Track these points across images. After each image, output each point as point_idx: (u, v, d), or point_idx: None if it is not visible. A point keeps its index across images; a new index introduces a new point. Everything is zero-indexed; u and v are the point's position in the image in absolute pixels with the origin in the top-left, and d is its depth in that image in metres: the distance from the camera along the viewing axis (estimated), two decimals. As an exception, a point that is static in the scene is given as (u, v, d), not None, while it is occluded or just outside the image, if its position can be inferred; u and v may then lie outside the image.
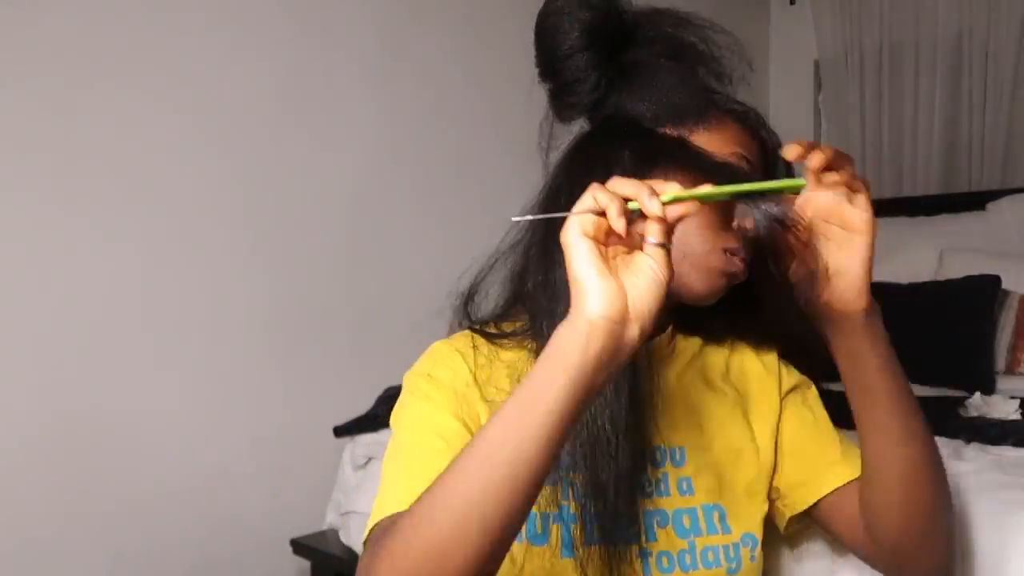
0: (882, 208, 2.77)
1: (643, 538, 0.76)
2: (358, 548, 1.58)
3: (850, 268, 0.67)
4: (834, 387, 0.83)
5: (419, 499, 0.58)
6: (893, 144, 3.00)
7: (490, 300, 0.84)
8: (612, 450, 0.69)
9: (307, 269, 1.93)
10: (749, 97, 0.84)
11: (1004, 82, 2.74)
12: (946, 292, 2.04)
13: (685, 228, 0.71)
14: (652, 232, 0.56)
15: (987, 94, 2.79)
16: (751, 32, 3.27)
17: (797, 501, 0.84)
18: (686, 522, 0.78)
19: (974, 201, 2.56)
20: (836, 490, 0.82)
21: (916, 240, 2.46)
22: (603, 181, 0.58)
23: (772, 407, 0.86)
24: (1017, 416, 1.35)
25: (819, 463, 0.83)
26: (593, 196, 0.56)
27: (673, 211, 0.56)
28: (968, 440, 1.16)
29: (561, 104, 0.82)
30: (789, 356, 0.90)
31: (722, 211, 0.76)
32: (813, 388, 0.90)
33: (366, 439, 1.64)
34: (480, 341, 0.81)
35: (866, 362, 0.71)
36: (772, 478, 0.84)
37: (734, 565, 0.78)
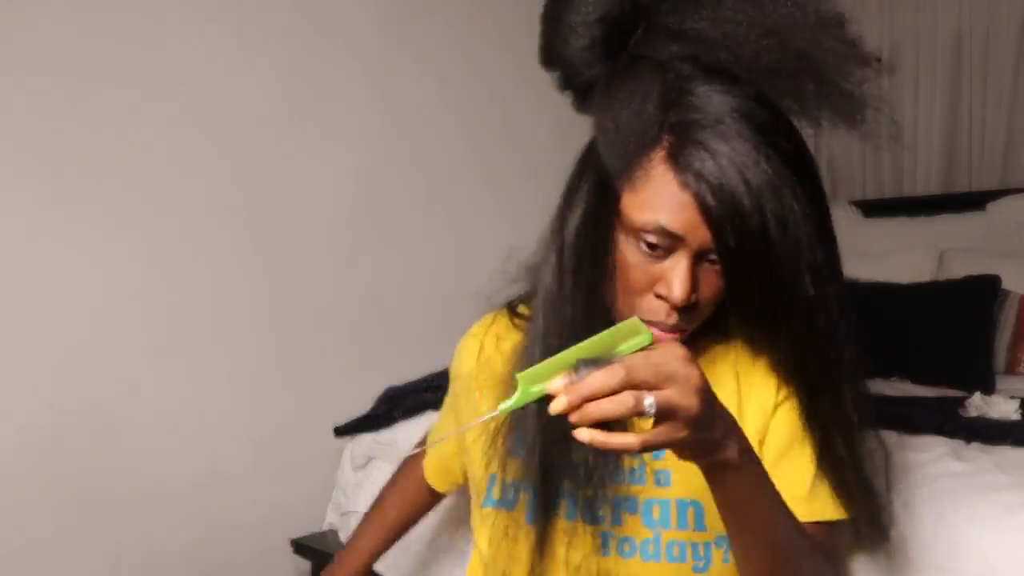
0: (882, 208, 2.78)
1: (608, 521, 0.77)
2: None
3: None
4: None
5: None
6: (893, 144, 2.99)
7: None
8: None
9: (307, 269, 1.93)
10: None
11: (1004, 82, 2.74)
12: (946, 292, 2.04)
13: (619, 273, 0.73)
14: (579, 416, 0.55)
15: (987, 94, 2.78)
16: (751, 32, 3.26)
17: None
18: (656, 512, 0.78)
19: (974, 201, 2.55)
20: None
21: (916, 240, 2.46)
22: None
23: (763, 409, 0.82)
24: (1017, 416, 1.35)
25: (788, 490, 0.76)
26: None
27: (555, 406, 0.55)
28: (968, 440, 1.16)
29: (571, 89, 0.78)
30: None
31: (650, 272, 0.71)
32: (805, 400, 0.83)
33: (366, 439, 1.64)
34: (500, 322, 0.91)
35: (727, 500, 0.65)
36: None
37: (702, 564, 0.76)
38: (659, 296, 0.71)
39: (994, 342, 1.97)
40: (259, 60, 1.84)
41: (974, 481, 0.98)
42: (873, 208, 2.79)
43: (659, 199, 0.69)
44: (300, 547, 1.76)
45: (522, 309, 0.89)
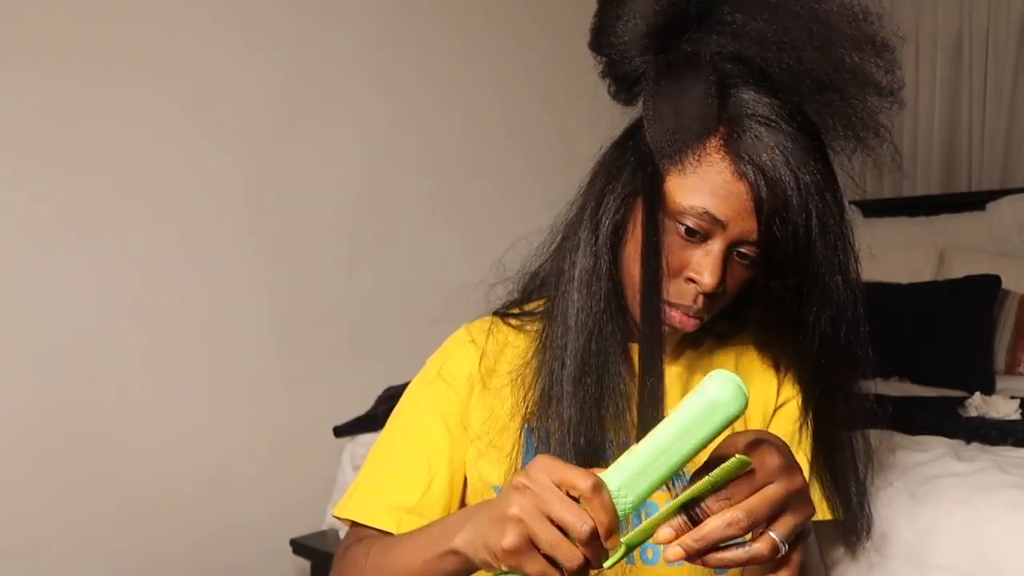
0: (882, 208, 2.78)
1: (630, 527, 0.75)
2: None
3: None
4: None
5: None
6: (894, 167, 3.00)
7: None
8: (576, 437, 0.72)
9: (308, 269, 1.93)
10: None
11: (1004, 82, 2.74)
12: (946, 292, 2.04)
13: (634, 269, 0.74)
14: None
15: (987, 94, 2.79)
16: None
17: None
18: (644, 517, 0.77)
19: (974, 201, 2.56)
20: None
21: (916, 240, 2.46)
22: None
23: (765, 404, 0.84)
24: (1017, 416, 1.35)
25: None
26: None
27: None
28: (968, 440, 1.16)
29: (610, 81, 0.79)
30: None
31: (684, 257, 0.73)
32: (806, 400, 0.84)
33: (366, 439, 1.64)
34: (499, 326, 0.85)
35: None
36: None
37: None
38: (690, 280, 0.73)
39: (994, 342, 1.97)
40: (261, 59, 1.84)
41: (974, 481, 0.98)
42: (873, 208, 2.79)
43: (709, 185, 0.70)
44: (300, 547, 1.76)
45: (531, 306, 0.87)
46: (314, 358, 1.94)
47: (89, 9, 1.58)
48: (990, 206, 2.50)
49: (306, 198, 1.92)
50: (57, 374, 1.55)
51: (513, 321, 0.86)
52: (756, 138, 0.69)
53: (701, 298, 0.73)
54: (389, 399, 1.65)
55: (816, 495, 0.81)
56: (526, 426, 0.78)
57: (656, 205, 0.73)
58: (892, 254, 2.38)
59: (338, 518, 0.84)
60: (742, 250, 0.72)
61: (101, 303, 1.61)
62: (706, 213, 0.70)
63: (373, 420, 1.63)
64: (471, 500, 0.84)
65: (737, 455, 0.55)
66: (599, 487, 0.55)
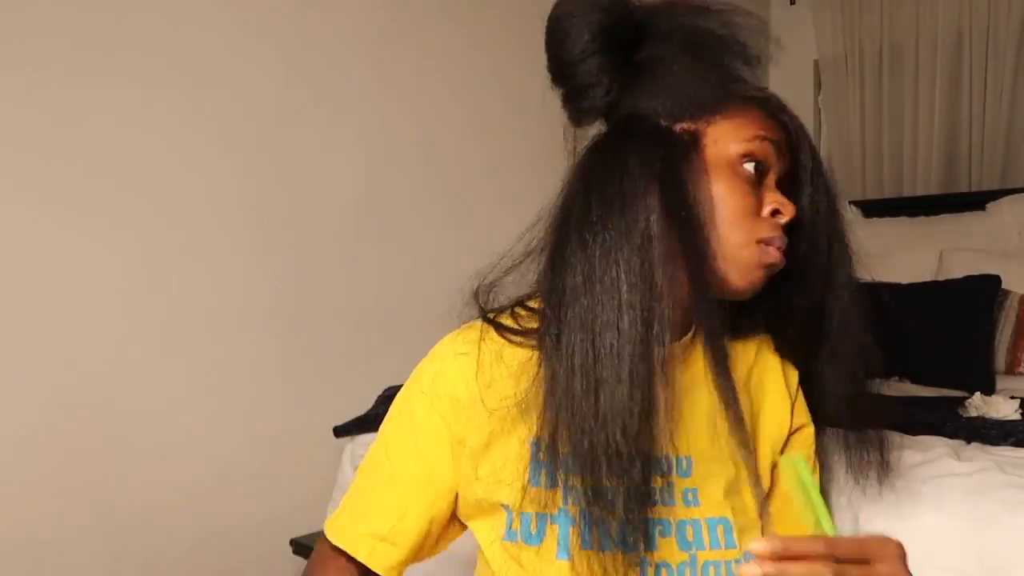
0: (882, 208, 2.78)
1: (642, 547, 0.72)
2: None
3: None
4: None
5: None
6: (893, 144, 3.00)
7: (504, 294, 0.82)
8: (618, 457, 0.67)
9: (308, 269, 1.93)
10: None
11: (1004, 82, 2.75)
12: (946, 292, 2.04)
13: (718, 222, 0.73)
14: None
15: (987, 94, 2.79)
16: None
17: None
18: (689, 534, 0.75)
19: (974, 201, 2.56)
20: None
21: (916, 240, 2.46)
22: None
23: (780, 429, 0.83)
24: (1017, 416, 1.35)
25: (799, 519, 0.78)
26: None
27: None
28: (968, 440, 1.16)
29: (575, 109, 0.80)
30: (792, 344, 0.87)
31: (754, 198, 0.75)
32: (813, 430, 0.86)
33: (366, 439, 1.64)
34: (489, 334, 0.78)
35: None
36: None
37: None
38: (775, 212, 0.76)
39: (994, 342, 1.97)
40: (263, 57, 1.84)
41: (974, 481, 0.98)
42: (873, 208, 2.80)
43: (751, 120, 0.76)
44: (300, 547, 1.76)
45: (506, 320, 0.79)
46: (315, 358, 1.94)
47: (93, 8, 1.58)
48: (990, 206, 2.50)
49: (308, 197, 1.92)
50: (58, 375, 1.55)
51: (509, 334, 0.78)
52: (749, 86, 0.78)
53: (781, 230, 0.76)
54: (389, 399, 1.63)
55: (814, 525, 0.83)
56: (531, 439, 0.74)
57: (698, 167, 0.74)
58: (892, 254, 2.38)
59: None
60: (780, 179, 0.77)
61: (101, 303, 1.61)
62: (764, 138, 0.75)
63: (373, 420, 1.63)
64: (466, 515, 0.80)
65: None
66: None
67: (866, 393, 0.83)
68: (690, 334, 0.81)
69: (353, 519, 0.81)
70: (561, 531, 0.73)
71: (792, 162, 0.79)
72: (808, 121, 3.24)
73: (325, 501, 1.76)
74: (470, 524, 0.81)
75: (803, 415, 0.86)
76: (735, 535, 0.76)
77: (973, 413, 1.40)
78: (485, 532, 0.79)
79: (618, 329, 0.69)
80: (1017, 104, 2.74)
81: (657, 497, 0.74)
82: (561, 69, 0.79)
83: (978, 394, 1.47)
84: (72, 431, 1.57)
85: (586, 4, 0.76)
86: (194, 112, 1.73)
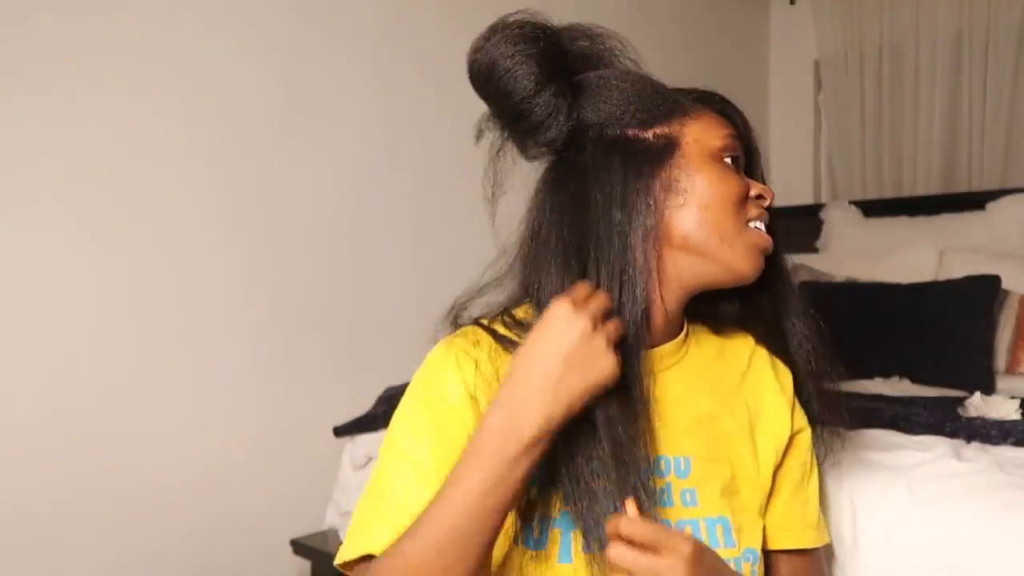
0: (882, 208, 2.78)
1: None
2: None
3: None
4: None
5: (392, 553, 0.68)
6: (893, 144, 3.00)
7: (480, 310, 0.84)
8: (614, 460, 0.69)
9: (307, 269, 1.93)
10: (750, 96, 0.85)
11: (1004, 82, 2.75)
12: (946, 292, 2.04)
13: (713, 209, 0.76)
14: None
15: (987, 94, 2.79)
16: (751, 32, 3.27)
17: (774, 539, 0.84)
18: (687, 534, 0.76)
19: (974, 201, 2.56)
20: (806, 551, 0.85)
21: (916, 240, 2.46)
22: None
23: (781, 431, 0.84)
24: (1017, 416, 1.35)
25: (803, 516, 0.85)
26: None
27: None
28: (968, 440, 1.16)
29: (534, 144, 0.80)
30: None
31: (740, 185, 0.78)
32: (810, 432, 0.88)
33: (366, 439, 1.64)
34: (483, 338, 0.78)
35: None
36: (768, 501, 0.84)
37: None
38: (759, 196, 0.80)
39: (994, 342, 1.97)
40: (257, 66, 1.84)
41: (974, 481, 0.98)
42: (873, 208, 2.79)
43: (713, 117, 0.80)
44: (300, 547, 1.76)
45: (499, 327, 0.79)
46: (314, 358, 1.94)
47: (88, 15, 1.58)
48: (990, 206, 2.50)
49: (305, 200, 1.92)
50: (58, 376, 1.56)
51: (503, 339, 0.78)
52: (691, 87, 0.83)
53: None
54: (389, 399, 1.65)
55: (822, 518, 0.87)
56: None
57: (685, 164, 0.77)
58: (892, 254, 2.38)
59: (345, 563, 0.76)
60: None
61: (101, 304, 1.61)
62: (731, 133, 0.79)
63: (373, 420, 1.63)
64: None
65: None
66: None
67: (823, 390, 0.85)
68: (682, 335, 0.82)
69: (382, 523, 0.74)
70: (564, 536, 0.74)
71: (746, 152, 0.83)
72: (808, 121, 3.25)
73: (325, 501, 1.76)
74: None
75: (802, 418, 0.87)
76: (734, 534, 0.77)
77: (973, 413, 1.40)
78: None
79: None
80: (1017, 104, 2.74)
81: (656, 499, 0.74)
82: (515, 108, 0.77)
83: (978, 394, 1.47)
84: (72, 431, 1.57)
85: (517, 39, 0.75)
86: (190, 118, 1.73)
